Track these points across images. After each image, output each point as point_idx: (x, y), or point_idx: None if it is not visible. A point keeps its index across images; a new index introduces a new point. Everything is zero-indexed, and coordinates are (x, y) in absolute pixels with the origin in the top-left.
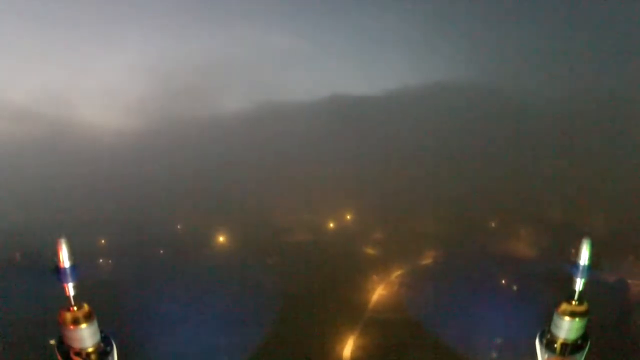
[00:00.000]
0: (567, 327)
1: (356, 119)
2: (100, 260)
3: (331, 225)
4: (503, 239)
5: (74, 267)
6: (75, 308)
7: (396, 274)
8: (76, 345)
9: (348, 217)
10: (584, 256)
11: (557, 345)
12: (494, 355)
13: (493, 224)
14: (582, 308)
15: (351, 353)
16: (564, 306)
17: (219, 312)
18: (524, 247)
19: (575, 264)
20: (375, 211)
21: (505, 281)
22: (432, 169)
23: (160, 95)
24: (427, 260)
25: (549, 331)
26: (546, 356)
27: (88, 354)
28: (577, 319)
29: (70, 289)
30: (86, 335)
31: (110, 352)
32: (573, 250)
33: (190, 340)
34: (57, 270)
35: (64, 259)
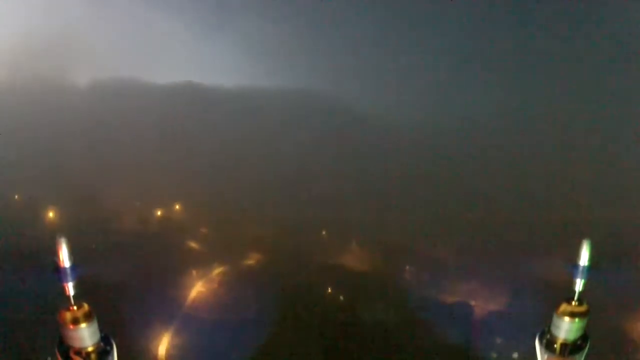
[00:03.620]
0: (566, 328)
1: (206, 109)
2: None
3: (158, 214)
4: (333, 249)
5: (73, 266)
6: (75, 308)
7: (217, 271)
8: (76, 344)
9: (177, 207)
10: (584, 257)
11: (556, 346)
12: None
13: (324, 233)
14: (582, 309)
15: (166, 352)
16: (564, 307)
17: None
18: (353, 260)
19: (576, 265)
20: (206, 206)
21: (331, 290)
22: (270, 171)
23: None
24: (250, 261)
25: (549, 331)
26: (546, 356)
27: (88, 354)
28: (577, 320)
29: (70, 288)
30: (86, 335)
31: (110, 351)
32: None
33: None
34: (57, 270)
35: (64, 259)
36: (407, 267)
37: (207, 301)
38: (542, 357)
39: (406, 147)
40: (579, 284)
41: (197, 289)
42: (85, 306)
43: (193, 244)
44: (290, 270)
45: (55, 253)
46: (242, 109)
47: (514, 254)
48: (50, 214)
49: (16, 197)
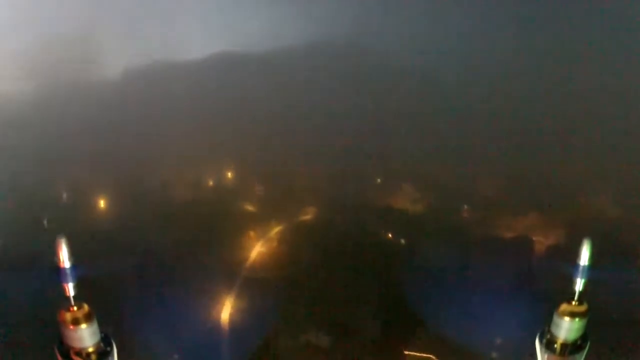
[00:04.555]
0: (567, 328)
1: (241, 77)
2: None
3: (210, 182)
4: (384, 193)
5: (74, 267)
6: (75, 308)
7: (275, 230)
8: (76, 345)
9: (229, 174)
10: (585, 256)
11: (557, 346)
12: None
13: (379, 180)
14: (582, 309)
15: (229, 315)
16: (564, 306)
17: None
18: (409, 204)
19: (576, 264)
20: (256, 168)
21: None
22: (315, 127)
23: (40, 56)
24: (306, 216)
25: (549, 331)
26: (546, 356)
27: (88, 354)
28: (577, 320)
29: (70, 289)
30: (86, 335)
31: (110, 352)
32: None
33: None
34: (57, 270)
35: (64, 259)
36: (465, 206)
37: (268, 260)
38: (542, 357)
39: (452, 90)
40: (579, 284)
41: (257, 250)
42: (85, 306)
43: (249, 207)
44: (348, 220)
45: (56, 254)
46: (277, 71)
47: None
48: (103, 194)
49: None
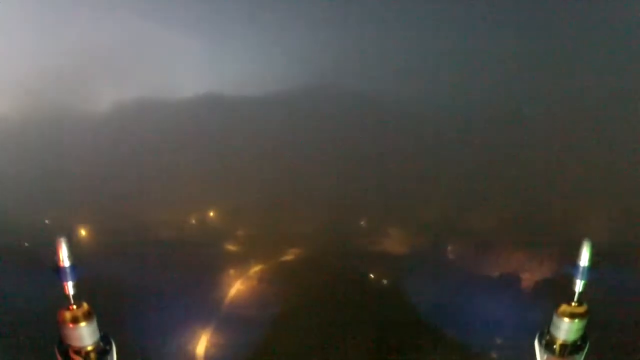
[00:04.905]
0: (566, 329)
1: (227, 118)
2: None
3: (193, 222)
4: (373, 238)
5: (73, 266)
6: (74, 307)
7: (255, 269)
8: (75, 344)
9: (211, 214)
10: (584, 258)
11: (556, 346)
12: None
13: (362, 223)
14: (582, 309)
15: (205, 351)
16: (564, 307)
17: None
18: (395, 245)
19: (576, 266)
20: (240, 209)
21: (374, 276)
22: (301, 170)
23: (31, 87)
24: (288, 256)
25: (549, 332)
26: (545, 357)
27: (87, 353)
28: (576, 321)
29: (69, 288)
30: (85, 334)
31: (110, 351)
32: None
33: None
34: (57, 270)
35: (64, 258)
36: (449, 247)
37: (246, 298)
38: (541, 358)
39: (438, 131)
40: (578, 285)
41: (237, 287)
42: (85, 305)
43: (230, 247)
44: (330, 262)
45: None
46: (262, 112)
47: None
48: (87, 230)
49: (46, 221)
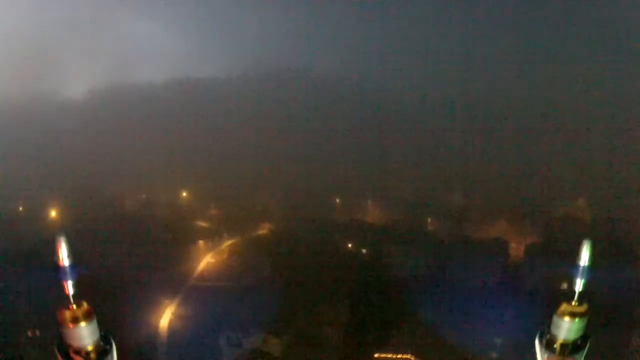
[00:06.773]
0: (566, 328)
1: (200, 101)
2: None
3: (164, 199)
4: (347, 209)
5: (73, 265)
6: (74, 306)
7: (227, 243)
8: (75, 343)
9: (184, 193)
10: (584, 257)
11: (556, 346)
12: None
13: (337, 200)
14: (582, 309)
15: (169, 322)
16: (564, 307)
17: None
18: (367, 217)
19: (576, 265)
20: (214, 187)
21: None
22: (274, 149)
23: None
24: (262, 230)
25: (549, 331)
26: (546, 356)
27: (87, 353)
28: (576, 320)
29: (69, 287)
30: (85, 334)
31: (110, 350)
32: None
33: None
34: (57, 269)
35: (64, 258)
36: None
37: (219, 271)
38: (541, 357)
39: (409, 111)
40: (578, 284)
41: (207, 261)
42: (85, 305)
43: (203, 224)
44: (305, 235)
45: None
46: (234, 93)
47: None
48: (64, 212)
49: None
